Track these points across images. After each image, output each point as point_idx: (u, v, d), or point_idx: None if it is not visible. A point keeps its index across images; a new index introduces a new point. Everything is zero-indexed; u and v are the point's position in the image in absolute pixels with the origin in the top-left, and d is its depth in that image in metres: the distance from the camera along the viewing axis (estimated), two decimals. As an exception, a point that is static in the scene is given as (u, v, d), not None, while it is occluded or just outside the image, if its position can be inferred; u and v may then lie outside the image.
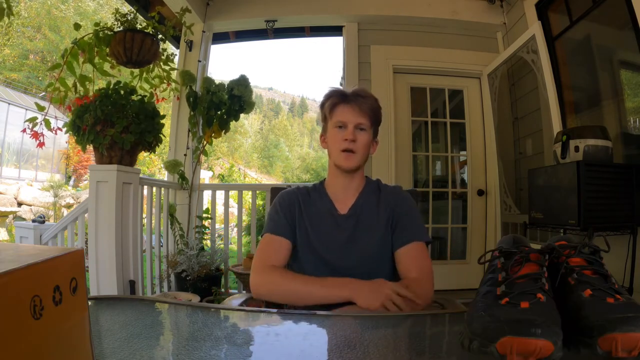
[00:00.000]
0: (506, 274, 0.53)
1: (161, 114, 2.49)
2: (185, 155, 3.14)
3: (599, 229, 1.76)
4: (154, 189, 2.81)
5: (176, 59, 3.20)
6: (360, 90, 1.12)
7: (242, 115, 3.13)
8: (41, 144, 2.22)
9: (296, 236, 1.10)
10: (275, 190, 1.40)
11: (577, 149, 1.87)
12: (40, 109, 2.22)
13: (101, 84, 2.53)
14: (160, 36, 2.47)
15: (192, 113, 3.08)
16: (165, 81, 2.84)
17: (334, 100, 1.10)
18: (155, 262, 2.89)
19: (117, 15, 2.34)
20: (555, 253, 0.56)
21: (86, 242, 2.33)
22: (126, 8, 3.02)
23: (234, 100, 2.99)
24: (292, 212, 1.11)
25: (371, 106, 1.09)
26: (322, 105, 1.14)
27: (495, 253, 0.57)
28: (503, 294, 0.50)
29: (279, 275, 1.00)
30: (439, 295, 1.07)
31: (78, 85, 2.39)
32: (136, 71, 2.67)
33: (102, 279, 2.20)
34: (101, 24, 2.38)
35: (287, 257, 1.08)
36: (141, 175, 2.46)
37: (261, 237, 1.12)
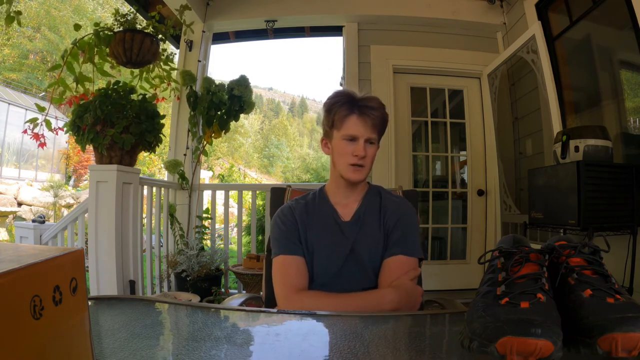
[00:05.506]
0: (506, 274, 0.53)
1: (161, 114, 2.49)
2: (185, 155, 3.14)
3: (599, 229, 1.75)
4: (154, 189, 2.81)
5: (176, 59, 3.20)
6: (370, 100, 1.07)
7: (242, 115, 3.13)
8: (42, 145, 2.22)
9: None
10: (275, 190, 1.38)
11: (577, 149, 1.87)
12: (41, 109, 2.22)
13: (101, 84, 2.53)
14: (160, 36, 2.47)
15: (192, 113, 3.08)
16: (165, 81, 2.84)
17: (345, 110, 1.05)
18: (155, 262, 2.89)
19: (116, 15, 2.34)
20: (555, 253, 0.56)
21: (86, 242, 2.33)
22: (126, 8, 3.02)
23: (234, 100, 2.99)
24: (296, 227, 1.08)
25: (381, 118, 1.06)
26: (330, 111, 1.07)
27: (495, 253, 0.58)
28: (503, 294, 0.50)
29: (312, 298, 0.97)
30: (439, 295, 1.08)
31: (77, 84, 2.39)
32: (136, 71, 2.67)
33: (102, 279, 2.20)
34: (101, 24, 2.38)
35: (308, 275, 1.04)
36: (141, 175, 2.46)
37: (271, 257, 1.08)
